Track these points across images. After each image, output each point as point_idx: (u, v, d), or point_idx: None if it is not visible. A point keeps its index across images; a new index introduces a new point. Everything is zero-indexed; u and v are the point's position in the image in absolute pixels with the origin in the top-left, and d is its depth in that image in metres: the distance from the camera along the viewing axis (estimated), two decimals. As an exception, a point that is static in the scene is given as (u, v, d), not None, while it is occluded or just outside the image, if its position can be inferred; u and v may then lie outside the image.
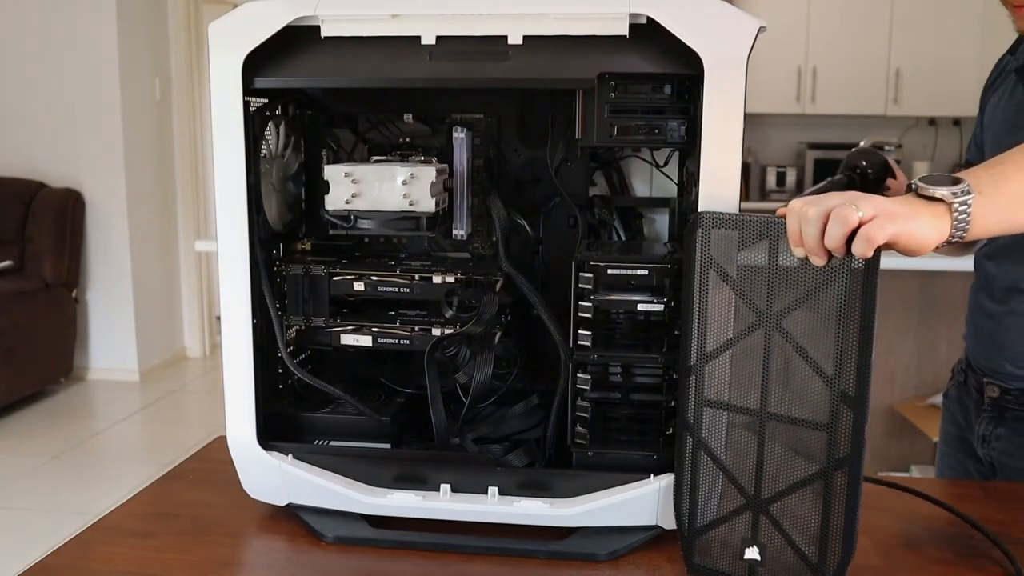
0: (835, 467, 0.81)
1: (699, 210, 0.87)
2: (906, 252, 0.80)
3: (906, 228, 0.77)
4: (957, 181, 0.81)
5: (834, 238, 0.77)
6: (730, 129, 0.87)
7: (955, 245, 0.84)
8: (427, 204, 0.96)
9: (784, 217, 0.81)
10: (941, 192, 0.80)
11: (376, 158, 1.08)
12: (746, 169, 5.39)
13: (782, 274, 0.82)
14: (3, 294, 4.07)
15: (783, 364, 0.83)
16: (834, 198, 0.78)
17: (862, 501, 0.81)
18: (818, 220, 0.77)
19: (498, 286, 1.02)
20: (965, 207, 0.80)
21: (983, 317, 1.31)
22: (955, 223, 0.80)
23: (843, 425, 0.81)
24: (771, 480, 0.85)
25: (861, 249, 0.76)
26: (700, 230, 0.86)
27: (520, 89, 1.09)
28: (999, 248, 1.26)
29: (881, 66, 5.20)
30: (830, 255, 0.78)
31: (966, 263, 1.43)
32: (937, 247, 0.81)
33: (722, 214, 0.85)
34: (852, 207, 0.76)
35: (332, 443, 1.03)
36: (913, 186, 0.82)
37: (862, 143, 1.53)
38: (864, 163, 1.33)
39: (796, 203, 0.80)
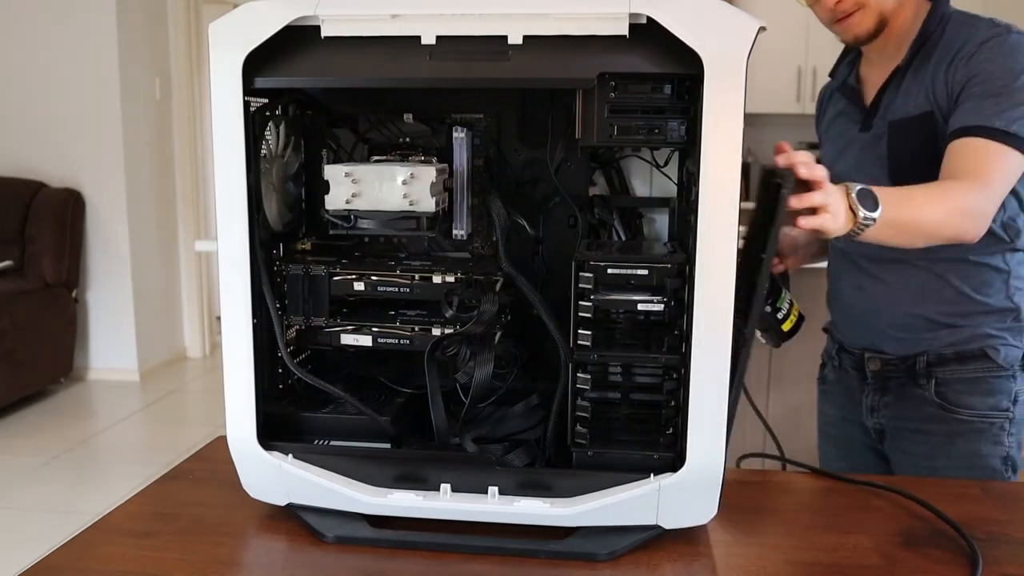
0: None
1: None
2: (822, 229, 1.00)
3: (832, 210, 1.00)
4: (876, 206, 1.04)
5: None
6: (730, 129, 0.87)
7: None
8: (427, 204, 0.96)
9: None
10: (862, 212, 1.03)
11: (376, 158, 1.08)
12: (746, 169, 5.39)
13: None
14: (3, 294, 4.07)
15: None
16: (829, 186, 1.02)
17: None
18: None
19: (498, 286, 1.02)
20: (868, 222, 1.04)
21: (855, 292, 1.41)
22: (854, 229, 1.04)
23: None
24: None
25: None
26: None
27: (520, 89, 1.09)
28: None
29: (881, 66, 5.20)
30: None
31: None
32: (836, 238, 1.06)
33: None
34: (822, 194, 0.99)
35: (332, 443, 1.03)
36: (849, 191, 1.04)
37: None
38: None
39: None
